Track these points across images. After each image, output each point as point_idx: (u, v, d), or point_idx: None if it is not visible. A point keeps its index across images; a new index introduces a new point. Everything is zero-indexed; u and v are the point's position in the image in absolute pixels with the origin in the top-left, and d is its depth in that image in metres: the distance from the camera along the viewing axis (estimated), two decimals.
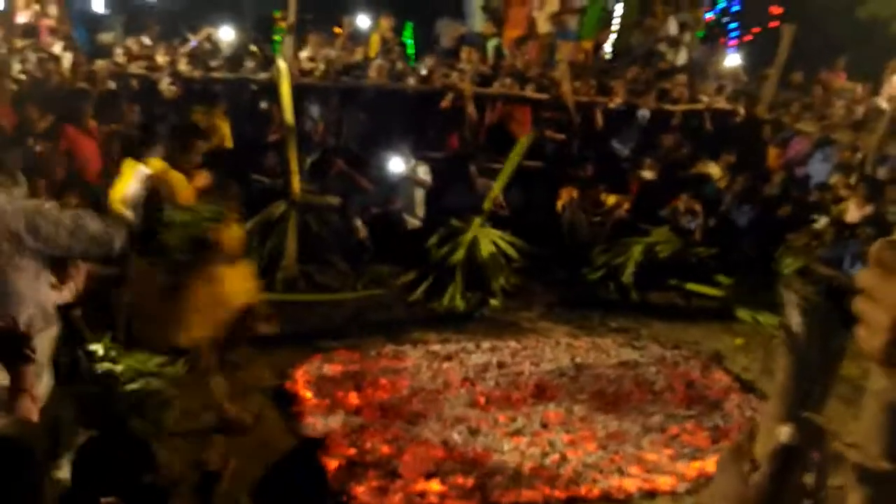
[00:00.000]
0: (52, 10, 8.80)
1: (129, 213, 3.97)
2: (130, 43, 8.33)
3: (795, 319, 0.83)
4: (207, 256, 4.05)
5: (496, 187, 6.68)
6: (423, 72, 8.77)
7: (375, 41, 9.95)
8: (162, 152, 4.18)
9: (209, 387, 4.38)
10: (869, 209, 7.05)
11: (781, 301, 0.87)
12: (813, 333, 0.84)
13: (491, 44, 10.21)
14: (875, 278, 0.76)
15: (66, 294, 3.30)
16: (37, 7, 8.72)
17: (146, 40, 8.28)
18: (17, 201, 2.90)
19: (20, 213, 2.78)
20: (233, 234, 4.21)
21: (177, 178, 4.16)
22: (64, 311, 3.89)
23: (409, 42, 11.87)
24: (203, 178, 6.69)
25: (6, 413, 2.17)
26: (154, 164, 4.10)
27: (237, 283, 4.27)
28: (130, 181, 4.04)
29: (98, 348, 3.73)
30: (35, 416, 2.21)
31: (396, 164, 7.49)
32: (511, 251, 6.57)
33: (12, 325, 2.33)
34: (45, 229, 2.81)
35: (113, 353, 3.74)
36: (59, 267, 3.61)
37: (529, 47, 10.48)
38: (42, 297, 2.90)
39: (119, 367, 3.72)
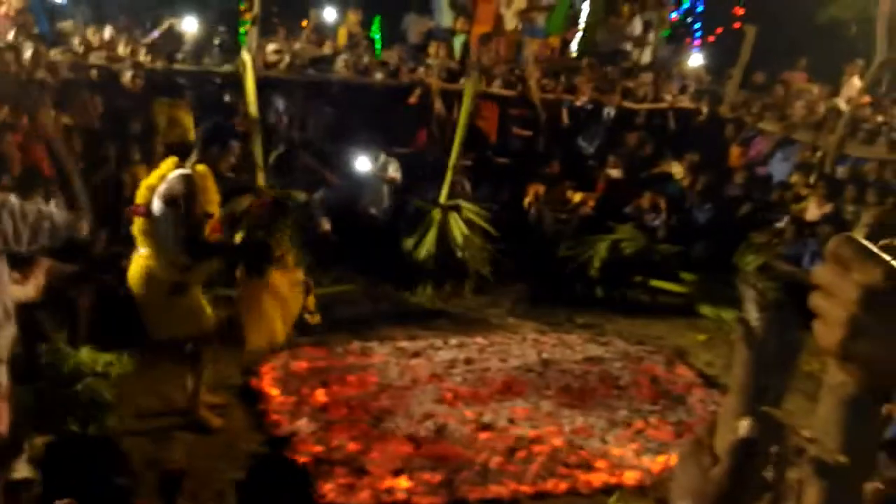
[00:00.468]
0: None
1: (157, 204, 3.93)
2: (89, 33, 8.16)
3: (753, 314, 0.84)
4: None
5: (453, 151, 6.64)
6: (390, 65, 8.74)
7: (343, 35, 9.89)
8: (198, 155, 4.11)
9: (184, 381, 4.32)
10: (828, 208, 7.21)
11: (740, 296, 0.88)
12: (770, 328, 0.85)
13: (458, 40, 10.21)
14: (831, 274, 0.77)
15: (30, 290, 3.23)
16: None
17: (108, 31, 8.10)
18: None
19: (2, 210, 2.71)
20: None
21: (212, 183, 4.12)
22: (26, 307, 3.81)
23: (377, 37, 11.82)
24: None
25: None
26: (198, 168, 4.05)
27: (294, 291, 4.40)
28: (168, 175, 3.98)
29: (45, 347, 3.66)
30: (6, 419, 2.15)
31: (364, 162, 7.45)
32: (482, 222, 6.56)
33: None
34: (7, 224, 2.74)
35: (60, 353, 3.67)
36: (22, 263, 3.53)
37: (496, 44, 10.50)
38: (3, 294, 2.83)
39: (66, 366, 3.64)
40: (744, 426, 0.85)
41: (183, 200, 3.88)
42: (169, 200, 3.90)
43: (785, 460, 0.92)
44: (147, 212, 3.97)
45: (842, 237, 0.76)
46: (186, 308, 4.11)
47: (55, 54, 7.20)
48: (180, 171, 3.97)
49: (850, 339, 0.76)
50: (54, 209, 2.89)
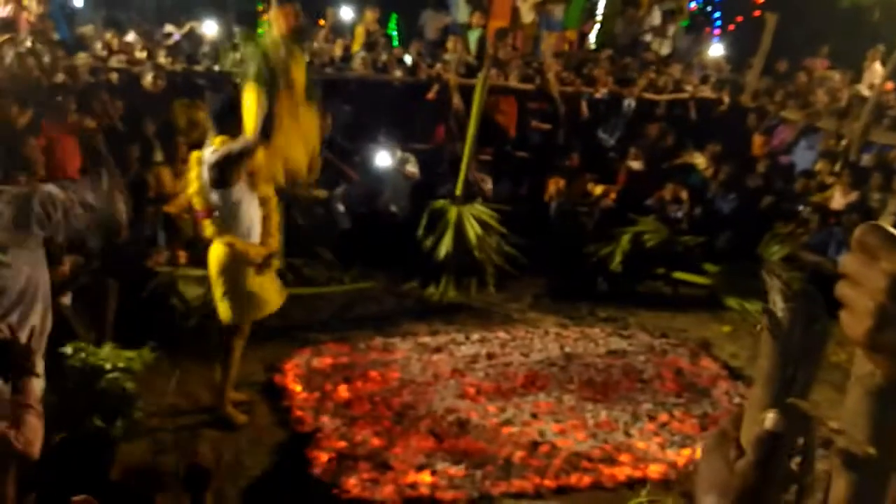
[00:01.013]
0: (32, 4, 8.69)
1: (211, 197, 4.06)
2: (110, 37, 8.25)
3: (779, 305, 0.83)
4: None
5: (466, 147, 6.61)
6: (408, 60, 8.74)
7: (360, 33, 9.90)
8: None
9: (209, 377, 4.37)
10: (853, 196, 7.10)
11: (765, 287, 0.87)
12: (796, 319, 0.83)
13: (474, 34, 10.18)
14: (858, 263, 0.75)
15: (57, 276, 3.29)
16: (16, 1, 8.60)
17: (131, 36, 8.19)
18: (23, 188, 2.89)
19: (32, 197, 2.77)
20: (301, 71, 4.17)
21: None
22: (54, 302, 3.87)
23: (394, 34, 11.83)
24: None
25: (10, 425, 2.13)
26: (216, 141, 4.13)
27: (312, 125, 4.32)
28: (199, 168, 4.09)
29: (69, 346, 3.70)
30: (41, 435, 2.15)
31: (384, 158, 7.46)
32: (495, 223, 6.54)
33: (12, 337, 2.27)
34: (39, 211, 2.79)
35: (83, 351, 3.72)
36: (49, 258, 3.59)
37: (513, 37, 10.46)
38: (44, 284, 2.88)
39: (88, 361, 3.69)
40: (770, 418, 0.84)
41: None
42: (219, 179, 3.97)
43: (812, 452, 0.90)
44: (209, 211, 4.08)
45: (869, 225, 0.75)
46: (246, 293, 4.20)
47: (82, 58, 7.29)
48: (207, 151, 4.05)
49: (877, 329, 0.75)
50: (87, 192, 2.93)
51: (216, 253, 4.16)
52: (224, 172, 3.98)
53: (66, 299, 4.75)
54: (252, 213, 4.17)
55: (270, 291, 4.33)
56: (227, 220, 4.09)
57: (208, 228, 4.15)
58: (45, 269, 2.96)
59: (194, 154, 4.17)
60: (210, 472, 3.31)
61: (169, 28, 9.35)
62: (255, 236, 4.20)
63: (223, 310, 4.25)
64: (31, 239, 2.83)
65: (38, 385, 2.81)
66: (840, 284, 0.78)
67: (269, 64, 4.01)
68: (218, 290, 4.24)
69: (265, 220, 4.26)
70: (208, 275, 4.34)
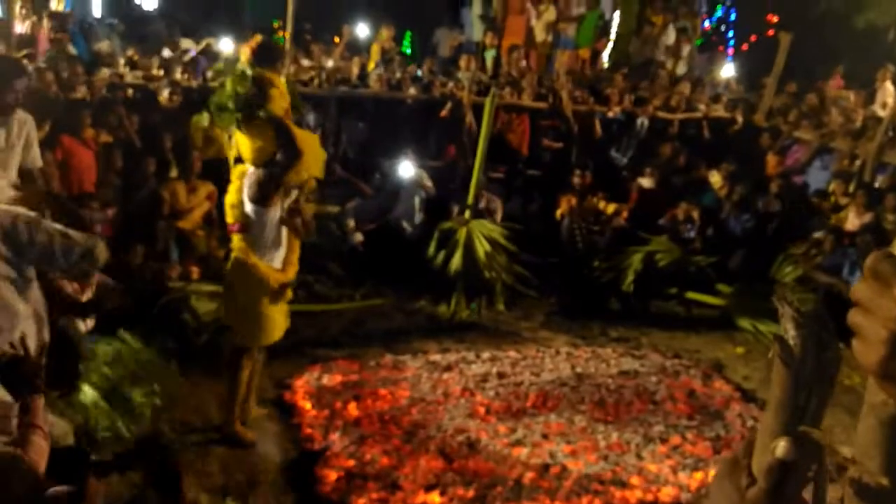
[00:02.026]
0: (49, 19, 8.84)
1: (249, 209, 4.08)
2: (132, 53, 8.37)
3: (791, 332, 0.82)
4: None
5: (476, 165, 6.61)
6: (422, 76, 8.80)
7: (376, 50, 9.98)
8: None
9: (225, 388, 4.38)
10: (868, 217, 7.05)
11: (778, 313, 0.86)
12: (808, 346, 0.83)
13: (489, 54, 10.24)
14: (871, 291, 0.74)
15: (87, 295, 3.28)
16: (35, 17, 8.75)
17: (154, 60, 8.30)
18: (10, 209, 2.88)
19: (17, 221, 2.76)
20: (280, 95, 4.13)
21: None
22: (70, 315, 3.87)
23: (408, 51, 11.92)
24: (207, 189, 6.73)
25: (15, 445, 2.11)
26: (240, 140, 4.17)
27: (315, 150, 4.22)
28: (240, 182, 4.12)
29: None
30: (46, 456, 2.14)
31: (406, 169, 7.48)
32: (506, 242, 6.53)
33: (23, 353, 2.27)
34: (39, 239, 2.78)
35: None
36: (78, 277, 3.57)
37: (527, 56, 10.51)
38: (36, 307, 2.88)
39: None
40: (781, 446, 0.83)
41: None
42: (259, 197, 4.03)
43: (824, 481, 0.89)
44: (243, 227, 4.09)
45: (881, 253, 0.74)
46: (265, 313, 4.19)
47: (103, 73, 7.38)
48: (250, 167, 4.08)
49: (890, 358, 0.74)
50: (73, 231, 2.91)
51: (237, 269, 4.14)
52: (264, 190, 4.03)
53: (85, 325, 4.75)
54: (281, 236, 4.19)
55: (279, 320, 4.31)
56: (258, 237, 4.10)
57: (237, 243, 4.14)
58: (34, 286, 2.94)
59: (238, 168, 4.18)
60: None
61: (185, 44, 9.47)
62: (278, 261, 4.21)
63: (234, 328, 4.27)
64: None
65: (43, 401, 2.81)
66: (852, 312, 0.77)
67: (245, 99, 3.98)
68: (231, 306, 4.26)
69: (290, 246, 4.28)
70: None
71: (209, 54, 9.04)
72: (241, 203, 4.09)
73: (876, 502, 0.79)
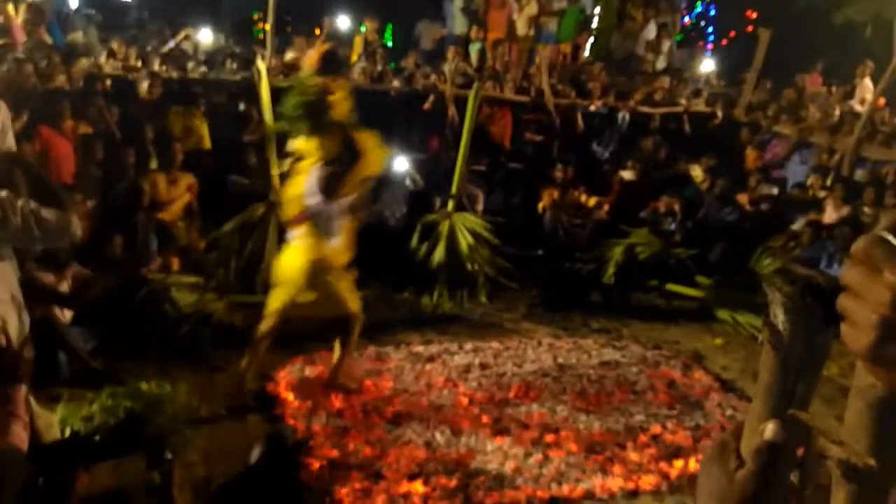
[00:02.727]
0: (26, 10, 8.68)
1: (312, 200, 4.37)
2: (117, 46, 8.25)
3: (780, 317, 0.83)
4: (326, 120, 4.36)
5: (459, 159, 6.63)
6: (404, 69, 8.77)
7: (358, 43, 9.94)
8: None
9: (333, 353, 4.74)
10: (845, 211, 7.15)
11: (766, 299, 0.87)
12: (797, 331, 0.84)
13: (474, 47, 10.23)
14: (861, 275, 0.75)
15: (63, 286, 3.24)
16: (10, 7, 8.59)
17: (133, 50, 8.19)
18: None
19: None
20: (342, 100, 4.46)
21: None
22: (50, 303, 3.82)
23: (389, 44, 11.87)
24: (187, 180, 6.68)
25: None
26: (299, 143, 4.50)
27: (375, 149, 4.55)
28: (303, 176, 4.42)
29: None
30: (25, 446, 2.11)
31: (401, 163, 7.47)
32: (488, 235, 6.55)
33: (4, 344, 2.24)
34: (12, 220, 2.72)
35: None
36: (55, 266, 3.51)
37: (509, 50, 10.51)
38: (13, 291, 2.83)
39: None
40: (770, 429, 0.85)
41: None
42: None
43: (811, 464, 0.91)
44: (306, 217, 4.39)
45: (873, 237, 0.74)
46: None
47: (82, 63, 7.27)
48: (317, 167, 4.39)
49: (880, 343, 0.74)
50: (46, 209, 2.84)
51: (303, 260, 4.40)
52: (331, 185, 4.34)
53: (63, 316, 4.70)
54: (340, 226, 4.48)
55: (353, 292, 4.71)
56: (320, 227, 4.39)
57: (302, 233, 4.39)
58: (10, 270, 2.89)
59: (299, 164, 4.47)
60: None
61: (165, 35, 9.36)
62: (339, 246, 4.52)
63: (305, 307, 4.54)
64: None
65: (24, 391, 2.78)
66: (842, 297, 0.78)
67: (311, 107, 4.34)
68: (307, 297, 4.50)
69: (347, 235, 4.59)
70: (198, 281, 4.41)
71: (188, 45, 8.95)
72: (303, 196, 4.37)
73: (863, 483, 0.81)
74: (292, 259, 4.46)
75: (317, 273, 4.41)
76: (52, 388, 4.29)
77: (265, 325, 4.60)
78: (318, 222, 4.39)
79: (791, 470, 0.89)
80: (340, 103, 4.37)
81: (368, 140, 4.45)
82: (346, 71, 4.54)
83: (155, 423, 3.87)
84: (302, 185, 4.41)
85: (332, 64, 4.49)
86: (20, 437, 2.13)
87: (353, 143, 4.35)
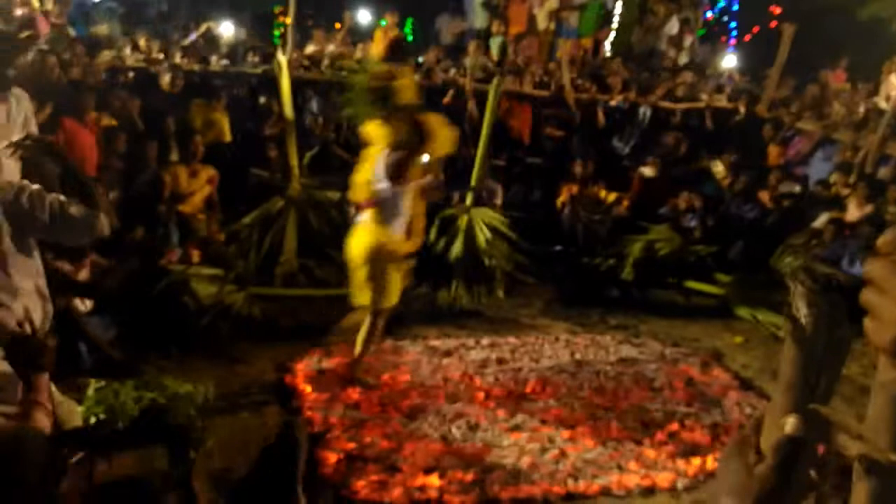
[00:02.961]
0: (50, 3, 8.78)
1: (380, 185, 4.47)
2: (144, 40, 8.33)
3: (803, 311, 0.83)
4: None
5: (478, 154, 6.63)
6: (425, 65, 8.77)
7: (379, 37, 9.94)
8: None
9: (355, 346, 4.80)
10: (868, 209, 7.06)
11: (787, 294, 0.87)
12: (820, 325, 0.83)
13: (495, 41, 10.21)
14: (886, 270, 0.75)
15: (82, 275, 3.28)
16: (35, 1, 8.69)
17: (154, 43, 8.26)
18: (16, 183, 2.86)
19: (20, 194, 2.75)
20: (408, 85, 4.60)
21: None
22: (70, 294, 3.87)
23: (409, 39, 11.87)
24: (208, 172, 6.73)
25: (17, 420, 2.12)
26: (372, 128, 4.61)
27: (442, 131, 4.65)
28: (372, 161, 4.54)
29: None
30: (47, 432, 2.14)
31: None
32: (506, 230, 6.54)
33: (29, 332, 2.27)
34: (30, 210, 2.76)
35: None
36: (73, 255, 3.55)
37: (530, 44, 10.48)
38: (38, 277, 2.87)
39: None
40: (791, 423, 0.84)
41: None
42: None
43: (832, 459, 0.90)
44: (375, 202, 4.50)
45: None
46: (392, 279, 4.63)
47: (105, 55, 7.35)
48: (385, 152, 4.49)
49: None
50: (74, 205, 2.88)
51: (366, 242, 4.52)
52: (400, 169, 4.43)
53: (84, 305, 4.76)
54: (408, 210, 4.58)
55: (399, 284, 4.73)
56: (388, 211, 4.49)
57: (369, 217, 4.52)
58: (35, 261, 2.93)
59: (369, 151, 4.60)
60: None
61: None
62: (402, 230, 4.61)
63: (363, 295, 4.64)
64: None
65: (47, 380, 2.81)
66: (865, 291, 0.78)
67: (378, 94, 4.52)
68: (360, 276, 4.59)
69: (415, 219, 4.69)
70: (218, 273, 4.41)
71: (209, 38, 9.01)
72: (372, 181, 4.49)
73: (885, 478, 0.80)
74: (357, 240, 4.61)
75: (377, 257, 4.51)
76: (74, 378, 4.36)
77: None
78: (385, 207, 4.50)
79: (811, 465, 0.88)
80: (406, 89, 4.49)
81: (435, 122, 4.54)
82: (411, 58, 4.69)
83: (178, 415, 3.92)
84: (370, 170, 4.53)
85: (398, 52, 4.67)
86: (42, 423, 2.15)
87: (420, 127, 4.44)
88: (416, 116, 4.47)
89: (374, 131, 4.56)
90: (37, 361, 2.21)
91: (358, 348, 4.80)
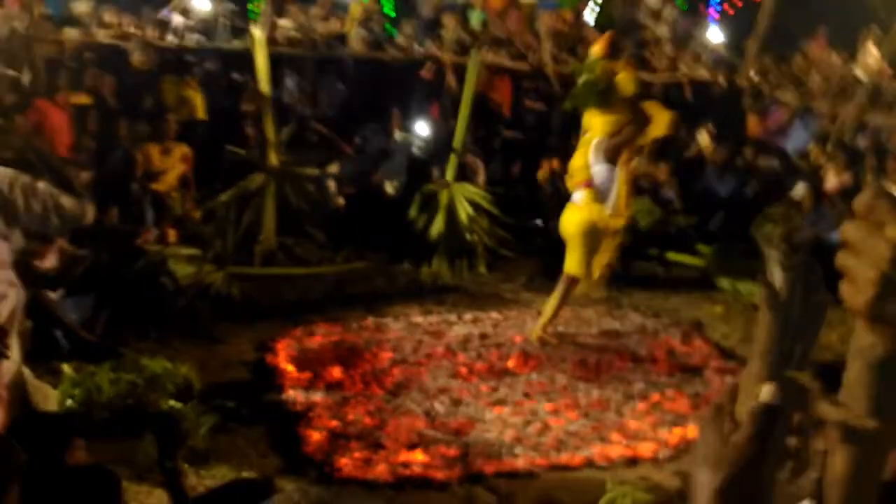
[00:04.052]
0: None
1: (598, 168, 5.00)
2: (106, 14, 8.13)
3: (777, 276, 0.80)
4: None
5: (458, 128, 6.59)
6: (402, 41, 8.65)
7: (356, 10, 9.78)
8: None
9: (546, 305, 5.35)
10: (846, 177, 7.09)
11: (763, 257, 0.84)
12: (795, 290, 0.81)
13: (475, 14, 10.07)
14: (862, 231, 0.73)
15: (48, 262, 3.25)
16: None
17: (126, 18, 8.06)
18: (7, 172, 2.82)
19: (14, 186, 2.72)
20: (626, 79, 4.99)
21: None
22: (37, 288, 3.81)
23: (391, 12, 11.69)
24: (181, 150, 6.63)
25: None
26: (591, 117, 5.06)
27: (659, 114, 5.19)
28: (587, 149, 5.01)
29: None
30: (2, 423, 2.08)
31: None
32: (488, 205, 6.53)
33: None
34: (19, 200, 2.74)
35: None
36: (40, 240, 3.51)
37: (511, 17, 10.36)
38: (7, 267, 2.83)
39: None
40: (766, 390, 0.82)
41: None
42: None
43: (808, 427, 0.88)
44: (590, 183, 5.00)
45: (874, 192, 0.72)
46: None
47: (68, 33, 7.18)
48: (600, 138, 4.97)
49: (879, 299, 0.72)
50: (63, 195, 2.87)
51: (583, 219, 5.00)
52: (616, 153, 4.96)
53: (55, 294, 4.67)
54: (617, 189, 5.05)
55: (603, 258, 5.30)
56: (603, 191, 4.99)
57: (585, 197, 4.99)
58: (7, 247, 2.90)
59: (586, 138, 5.08)
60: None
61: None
62: (613, 209, 5.11)
63: (573, 263, 5.09)
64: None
65: (9, 366, 2.76)
66: (841, 254, 0.76)
67: (597, 87, 4.93)
68: (576, 247, 5.05)
69: (622, 198, 5.18)
70: (196, 253, 4.34)
71: (184, 13, 8.80)
72: (588, 165, 4.98)
73: (863, 445, 0.79)
74: (574, 216, 5.07)
75: (592, 232, 4.99)
76: (50, 363, 4.30)
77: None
78: (600, 188, 4.99)
79: (788, 433, 0.87)
80: (625, 82, 4.92)
81: (652, 108, 5.11)
82: (630, 54, 5.21)
83: (157, 400, 3.88)
84: (587, 155, 5.00)
85: (617, 49, 5.13)
86: None
87: (638, 116, 4.94)
88: (633, 106, 4.98)
89: (594, 120, 5.02)
90: None
91: (549, 311, 5.24)
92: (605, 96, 4.92)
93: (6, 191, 2.72)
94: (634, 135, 5.04)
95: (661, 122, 5.10)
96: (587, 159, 5.04)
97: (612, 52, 5.08)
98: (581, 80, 5.07)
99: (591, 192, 5.00)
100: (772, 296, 0.82)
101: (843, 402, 0.80)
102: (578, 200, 5.08)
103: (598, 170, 4.99)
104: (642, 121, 5.01)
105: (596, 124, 5.04)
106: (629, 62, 5.28)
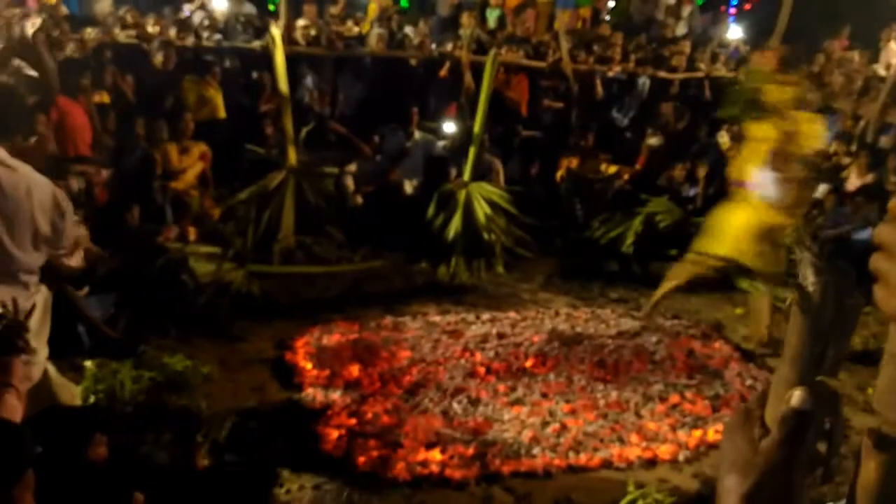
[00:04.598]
0: None
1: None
2: (124, 13, 8.21)
3: (810, 279, 0.79)
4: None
5: (476, 127, 6.56)
6: (418, 39, 8.66)
7: (373, 9, 9.81)
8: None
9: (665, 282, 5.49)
10: (870, 178, 7.01)
11: (794, 259, 0.83)
12: (828, 294, 0.80)
13: (493, 13, 10.06)
14: None
15: (74, 261, 3.29)
16: None
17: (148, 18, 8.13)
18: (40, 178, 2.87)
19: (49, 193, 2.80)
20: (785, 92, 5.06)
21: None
22: (62, 285, 3.85)
23: (404, 3, 11.72)
24: (200, 149, 6.67)
25: None
26: (755, 127, 5.14)
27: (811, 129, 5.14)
28: (751, 154, 5.15)
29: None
30: (19, 416, 2.10)
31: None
32: (506, 204, 6.50)
33: (11, 313, 2.23)
34: (67, 228, 2.84)
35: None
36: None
37: (528, 15, 10.34)
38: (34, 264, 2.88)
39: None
40: (797, 395, 0.81)
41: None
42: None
43: (839, 433, 0.87)
44: (749, 185, 5.09)
45: None
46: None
47: (89, 33, 7.24)
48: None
49: None
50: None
51: (749, 219, 5.08)
52: (779, 162, 5.00)
53: (82, 292, 4.72)
54: (782, 194, 5.06)
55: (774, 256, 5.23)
56: (769, 194, 5.03)
57: (753, 198, 5.06)
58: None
59: (754, 144, 5.08)
60: None
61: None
62: (778, 211, 5.07)
63: (755, 261, 5.16)
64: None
65: (36, 368, 2.79)
66: (875, 257, 0.74)
67: (751, 98, 5.07)
68: (753, 248, 5.11)
69: (787, 198, 5.15)
70: (216, 251, 4.36)
71: (203, 12, 8.87)
72: (756, 170, 5.07)
73: (894, 453, 0.77)
74: (740, 216, 5.13)
75: (759, 232, 5.07)
76: (74, 359, 4.35)
77: (690, 270, 5.36)
78: (759, 191, 5.07)
79: (818, 439, 0.85)
80: (783, 95, 5.00)
81: (803, 119, 5.09)
82: (798, 68, 5.32)
83: (179, 399, 3.91)
84: (748, 160, 5.13)
85: (786, 64, 5.23)
86: (13, 405, 2.11)
87: (788, 126, 4.96)
88: (787, 117, 5.02)
89: (758, 130, 5.12)
90: (12, 343, 2.17)
91: (665, 285, 5.49)
92: (757, 106, 5.05)
93: (62, 205, 2.80)
94: (784, 145, 5.09)
95: (809, 133, 5.15)
96: (748, 164, 5.17)
97: (783, 65, 5.22)
98: (738, 89, 5.26)
99: (759, 194, 5.10)
100: (804, 300, 0.81)
101: (876, 409, 0.79)
102: (746, 201, 5.18)
103: (764, 174, 5.08)
104: (791, 132, 5.07)
105: (755, 133, 5.16)
106: (801, 77, 5.39)
